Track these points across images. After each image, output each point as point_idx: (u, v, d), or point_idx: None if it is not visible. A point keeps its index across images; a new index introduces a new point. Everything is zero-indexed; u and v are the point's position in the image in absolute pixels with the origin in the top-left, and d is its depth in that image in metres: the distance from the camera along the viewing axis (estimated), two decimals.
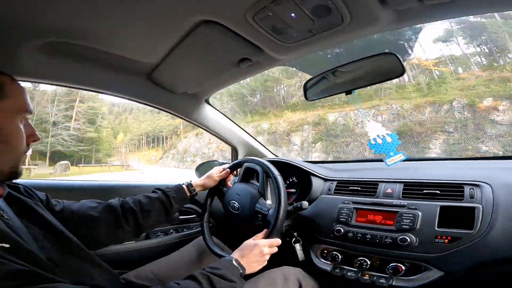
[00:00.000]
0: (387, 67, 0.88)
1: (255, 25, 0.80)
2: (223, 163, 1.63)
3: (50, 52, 0.92)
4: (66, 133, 20.95)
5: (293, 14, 0.75)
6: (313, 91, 1.08)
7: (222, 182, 1.18)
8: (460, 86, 14.16)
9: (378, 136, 0.92)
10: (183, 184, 1.08)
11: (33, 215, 0.70)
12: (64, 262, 0.66)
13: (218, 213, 1.24)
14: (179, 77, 1.17)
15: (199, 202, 1.45)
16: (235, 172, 1.22)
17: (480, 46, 17.14)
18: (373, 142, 0.93)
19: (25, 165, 0.72)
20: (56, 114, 22.54)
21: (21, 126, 0.63)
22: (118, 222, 0.91)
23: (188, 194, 1.07)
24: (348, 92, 0.94)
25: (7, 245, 0.50)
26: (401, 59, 0.83)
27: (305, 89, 1.09)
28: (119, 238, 0.92)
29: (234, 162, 1.21)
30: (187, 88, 1.27)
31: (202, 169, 1.69)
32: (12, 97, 0.61)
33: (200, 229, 1.43)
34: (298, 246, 1.08)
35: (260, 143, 1.69)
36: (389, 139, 0.91)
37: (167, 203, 1.00)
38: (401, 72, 0.85)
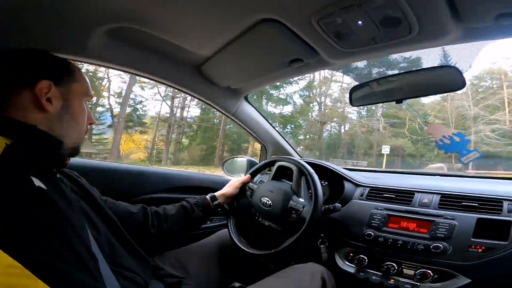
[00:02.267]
0: (446, 80, 0.89)
1: (318, 28, 0.82)
2: (251, 161, 1.67)
3: (114, 37, 0.97)
4: (489, 128, 14.17)
5: (360, 22, 0.77)
6: (360, 97, 1.10)
7: (246, 185, 1.22)
8: None
9: (444, 137, 0.92)
10: (206, 195, 1.13)
11: (87, 195, 0.77)
12: (110, 246, 0.72)
13: (239, 210, 1.28)
14: (227, 72, 1.21)
15: None
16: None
17: None
18: (440, 143, 0.93)
19: None
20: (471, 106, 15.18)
21: (86, 108, 0.73)
22: (146, 223, 0.96)
23: (211, 203, 1.11)
24: (399, 101, 0.96)
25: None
26: (462, 73, 0.84)
27: (351, 94, 1.11)
28: (143, 241, 0.93)
29: (263, 162, 1.25)
30: (232, 83, 1.31)
31: (228, 164, 1.72)
32: (80, 82, 0.72)
33: (220, 223, 1.49)
34: (323, 248, 1.10)
35: (289, 143, 1.72)
36: (457, 139, 0.91)
37: (189, 209, 1.05)
38: (461, 85, 0.86)
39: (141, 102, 16.32)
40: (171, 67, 1.18)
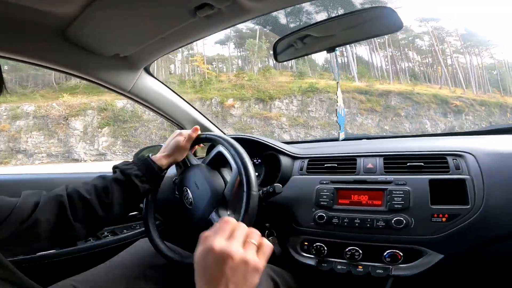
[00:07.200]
0: (382, 21, 0.79)
1: None
2: None
3: None
4: None
5: None
6: (286, 51, 0.92)
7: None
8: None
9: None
10: (148, 158, 0.81)
11: None
12: None
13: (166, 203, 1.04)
14: (107, 33, 0.85)
15: None
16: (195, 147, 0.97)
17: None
18: (342, 114, 0.91)
19: None
20: None
21: None
22: (65, 218, 0.68)
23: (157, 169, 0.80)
24: (331, 50, 0.81)
25: None
26: (397, 13, 0.73)
27: (275, 49, 0.92)
28: (66, 239, 0.71)
29: (207, 134, 0.90)
30: (119, 49, 0.95)
31: (142, 156, 1.40)
32: None
33: (132, 232, 1.22)
34: (271, 240, 0.94)
35: (209, 120, 1.47)
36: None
37: (128, 184, 0.75)
38: (398, 26, 0.76)
39: None
40: (18, 37, 0.80)
